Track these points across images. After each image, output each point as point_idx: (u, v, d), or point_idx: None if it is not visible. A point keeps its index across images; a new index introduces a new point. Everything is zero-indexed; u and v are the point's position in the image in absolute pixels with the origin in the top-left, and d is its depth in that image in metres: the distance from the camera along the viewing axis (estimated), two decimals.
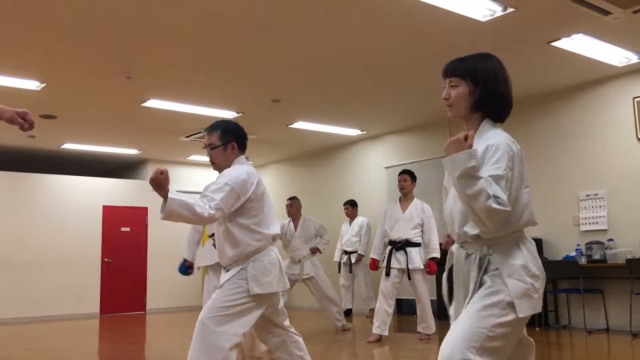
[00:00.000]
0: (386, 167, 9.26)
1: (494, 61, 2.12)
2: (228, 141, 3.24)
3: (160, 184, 2.68)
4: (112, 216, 10.47)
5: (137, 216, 10.77)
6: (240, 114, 7.96)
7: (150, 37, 5.29)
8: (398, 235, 6.24)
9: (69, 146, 9.63)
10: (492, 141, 1.93)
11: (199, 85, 6.78)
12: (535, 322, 6.87)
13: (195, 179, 11.51)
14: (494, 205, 1.79)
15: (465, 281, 2.01)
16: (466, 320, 1.91)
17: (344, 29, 5.18)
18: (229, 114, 7.92)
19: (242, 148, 3.34)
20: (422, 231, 6.26)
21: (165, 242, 10.73)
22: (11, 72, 6.09)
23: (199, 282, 11.35)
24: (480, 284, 1.96)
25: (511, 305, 1.89)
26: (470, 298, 1.95)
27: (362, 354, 5.56)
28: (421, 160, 8.72)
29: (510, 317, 1.89)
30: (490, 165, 1.88)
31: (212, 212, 2.89)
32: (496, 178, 1.84)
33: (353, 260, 8.63)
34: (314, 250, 7.11)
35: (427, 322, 6.21)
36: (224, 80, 6.61)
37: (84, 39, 5.30)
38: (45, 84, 6.44)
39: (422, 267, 6.16)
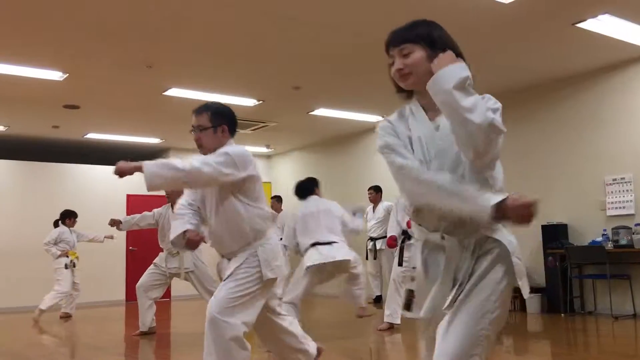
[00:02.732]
0: None
1: (444, 29, 1.90)
2: (219, 123, 3.08)
3: (124, 171, 2.63)
4: (136, 205, 10.56)
5: (160, 204, 10.84)
6: (261, 102, 7.95)
7: (171, 26, 5.30)
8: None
9: (92, 136, 9.74)
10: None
11: (219, 74, 6.79)
12: (560, 308, 6.80)
13: None
14: (495, 118, 1.60)
15: (456, 270, 1.80)
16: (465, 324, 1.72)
17: (364, 14, 5.12)
18: (249, 102, 7.93)
19: (232, 132, 3.17)
20: None
21: None
22: (35, 63, 6.15)
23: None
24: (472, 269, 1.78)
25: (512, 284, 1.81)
26: (460, 288, 1.76)
27: (376, 341, 5.56)
28: None
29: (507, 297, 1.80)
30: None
31: (196, 164, 2.75)
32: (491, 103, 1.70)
33: (378, 247, 8.58)
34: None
35: None
36: (244, 68, 6.60)
37: (105, 30, 5.33)
38: (68, 75, 6.50)
39: None
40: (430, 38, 1.84)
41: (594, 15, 5.28)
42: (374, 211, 8.88)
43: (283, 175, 12.15)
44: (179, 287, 7.82)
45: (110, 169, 2.78)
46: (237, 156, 2.90)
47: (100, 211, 10.16)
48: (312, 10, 5.02)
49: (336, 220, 5.53)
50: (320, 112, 8.65)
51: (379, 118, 9.26)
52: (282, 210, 9.98)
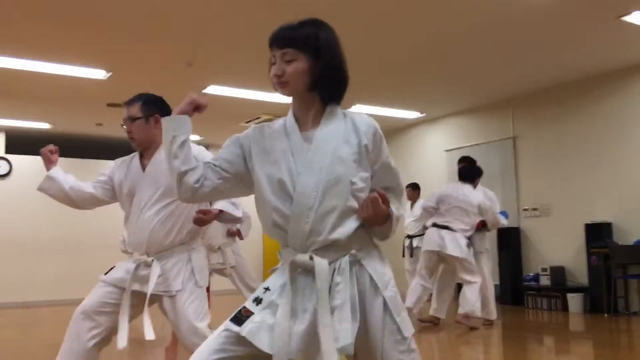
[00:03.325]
0: (446, 150, 9.11)
1: (332, 30, 1.83)
2: (151, 113, 2.88)
3: (205, 221, 2.79)
4: None
5: None
6: None
7: (211, 24, 5.37)
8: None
9: None
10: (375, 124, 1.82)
11: (258, 71, 6.81)
12: (603, 308, 6.64)
13: None
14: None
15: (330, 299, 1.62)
16: None
17: (401, 9, 5.09)
18: (286, 98, 7.95)
19: None
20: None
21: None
22: (80, 62, 6.31)
23: (259, 265, 11.56)
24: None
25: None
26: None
27: (420, 338, 5.53)
28: (483, 143, 8.53)
29: None
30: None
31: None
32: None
33: (415, 244, 8.53)
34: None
35: (488, 307, 6.10)
36: None
37: (147, 29, 5.44)
38: (111, 73, 6.66)
39: (484, 250, 6.14)
40: (317, 44, 1.75)
41: None
42: (411, 209, 8.82)
43: None
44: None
45: None
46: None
47: None
48: (351, 8, 5.02)
49: None
50: (357, 108, 8.64)
51: (418, 115, 9.19)
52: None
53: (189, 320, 2.78)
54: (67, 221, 9.76)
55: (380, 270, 1.70)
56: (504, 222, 6.33)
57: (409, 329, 1.67)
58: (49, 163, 3.01)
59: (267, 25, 1.95)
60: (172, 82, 7.11)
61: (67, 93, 7.47)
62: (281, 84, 1.77)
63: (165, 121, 1.86)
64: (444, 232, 5.90)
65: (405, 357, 1.65)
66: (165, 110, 2.85)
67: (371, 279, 1.67)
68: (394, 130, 10.18)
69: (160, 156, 2.82)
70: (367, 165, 1.74)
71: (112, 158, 3.22)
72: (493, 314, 6.10)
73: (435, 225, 6.04)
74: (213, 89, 7.42)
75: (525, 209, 7.97)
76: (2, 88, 7.18)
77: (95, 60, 6.28)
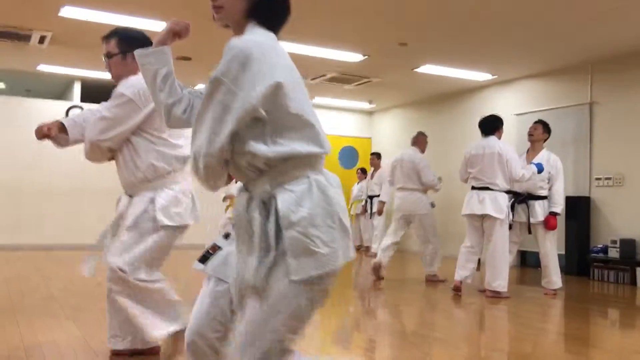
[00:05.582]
0: (517, 114, 8.80)
1: None
2: (127, 49, 2.81)
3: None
4: None
5: None
6: (366, 57, 7.87)
7: None
8: (521, 187, 5.98)
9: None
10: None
11: (326, 28, 6.76)
12: None
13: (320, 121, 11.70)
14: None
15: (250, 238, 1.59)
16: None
17: None
18: (355, 57, 7.86)
19: None
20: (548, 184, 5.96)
21: None
22: (151, 15, 6.40)
23: None
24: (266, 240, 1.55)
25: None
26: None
27: (481, 305, 5.48)
28: (557, 108, 8.19)
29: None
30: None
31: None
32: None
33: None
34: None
35: (550, 277, 5.95)
36: (351, 23, 6.53)
37: None
38: None
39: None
40: None
41: None
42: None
43: (383, 132, 12.06)
44: None
45: None
46: (135, 94, 2.79)
47: None
48: None
49: None
50: (426, 68, 8.43)
51: (489, 77, 8.89)
52: (381, 167, 9.99)
53: (111, 253, 2.83)
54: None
55: (288, 207, 1.54)
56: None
57: (300, 273, 1.52)
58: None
59: None
60: None
61: None
62: (215, 9, 1.66)
63: (141, 57, 1.82)
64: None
65: (289, 301, 1.54)
66: (145, 45, 2.74)
67: (278, 215, 1.55)
68: (462, 92, 9.90)
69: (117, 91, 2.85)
70: None
71: None
72: (554, 284, 5.95)
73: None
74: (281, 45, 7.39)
75: (597, 178, 7.65)
76: (78, 39, 7.41)
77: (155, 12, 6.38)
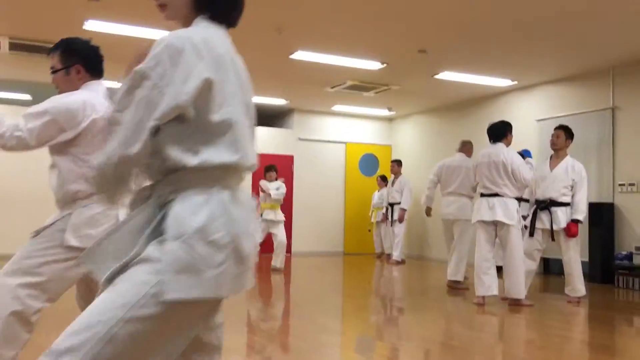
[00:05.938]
0: (538, 120, 8.75)
1: None
2: (71, 63, 2.60)
3: None
4: (261, 164, 11.00)
5: (283, 164, 11.23)
6: (385, 65, 7.89)
7: None
8: (543, 194, 5.94)
9: None
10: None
11: (345, 36, 6.81)
12: None
13: (339, 129, 11.84)
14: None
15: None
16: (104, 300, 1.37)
17: None
18: (374, 65, 7.89)
19: (92, 71, 2.66)
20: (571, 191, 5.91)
21: (310, 190, 11.21)
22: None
23: (340, 229, 11.70)
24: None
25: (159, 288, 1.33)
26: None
27: (503, 313, 5.45)
28: (579, 113, 8.12)
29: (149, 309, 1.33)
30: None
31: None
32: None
33: None
34: None
35: (573, 284, 5.90)
36: (370, 31, 6.57)
37: None
38: None
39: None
40: None
41: None
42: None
43: (403, 139, 12.05)
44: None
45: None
46: (59, 113, 2.43)
47: None
48: None
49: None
50: (446, 75, 8.43)
51: (509, 82, 8.85)
52: (401, 174, 10.00)
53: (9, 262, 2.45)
54: None
55: (182, 215, 1.38)
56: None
57: (177, 292, 1.34)
58: None
59: None
60: (261, 48, 7.21)
61: None
62: (160, 7, 1.56)
63: None
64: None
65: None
66: (89, 57, 2.64)
67: (167, 222, 1.40)
68: (482, 98, 9.87)
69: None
70: None
71: None
72: (578, 291, 5.89)
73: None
74: (300, 55, 7.46)
75: (621, 184, 7.57)
76: (103, 52, 7.53)
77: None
